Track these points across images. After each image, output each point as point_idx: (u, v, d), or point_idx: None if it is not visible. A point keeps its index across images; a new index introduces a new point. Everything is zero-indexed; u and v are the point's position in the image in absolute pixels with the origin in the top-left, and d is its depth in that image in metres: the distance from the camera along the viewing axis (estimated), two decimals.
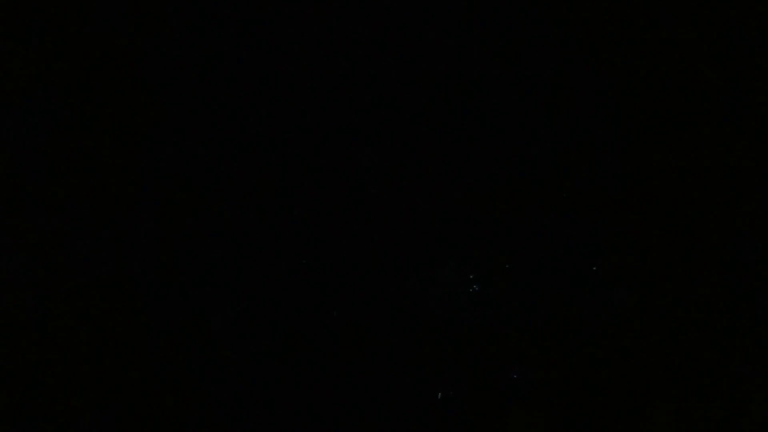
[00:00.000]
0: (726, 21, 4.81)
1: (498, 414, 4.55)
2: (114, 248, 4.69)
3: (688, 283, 4.63)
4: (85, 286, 4.67)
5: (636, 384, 4.53)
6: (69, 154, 4.78)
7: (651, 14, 4.82)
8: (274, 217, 4.62)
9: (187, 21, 4.79)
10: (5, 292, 4.66)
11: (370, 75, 4.73)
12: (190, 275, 4.60)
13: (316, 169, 4.63)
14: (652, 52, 4.82)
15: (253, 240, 4.63)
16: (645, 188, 4.72)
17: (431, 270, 4.71)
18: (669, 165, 4.71)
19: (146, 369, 4.60)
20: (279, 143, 4.65)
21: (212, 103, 4.71)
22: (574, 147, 4.84)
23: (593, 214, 4.76)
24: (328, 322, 4.60)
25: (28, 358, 4.57)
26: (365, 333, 4.61)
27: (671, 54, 4.82)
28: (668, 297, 4.65)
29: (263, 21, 4.82)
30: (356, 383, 4.60)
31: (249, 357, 4.53)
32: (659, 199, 4.72)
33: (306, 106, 4.65)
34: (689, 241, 4.68)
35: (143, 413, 4.56)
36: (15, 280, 4.66)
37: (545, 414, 4.54)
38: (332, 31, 4.72)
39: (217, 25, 4.79)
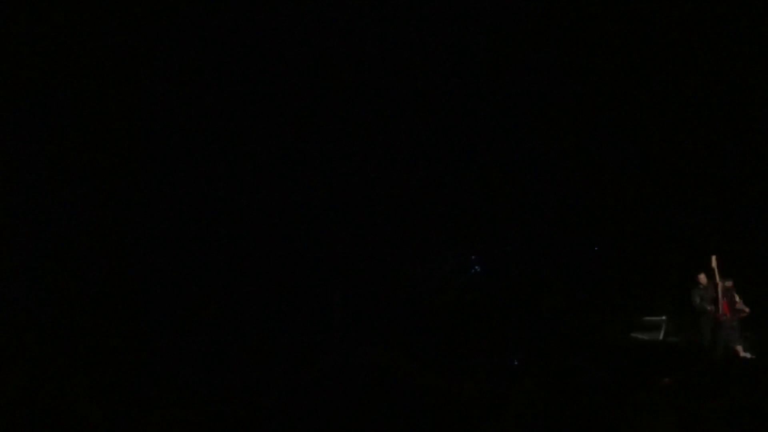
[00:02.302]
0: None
1: (498, 398, 4.56)
2: (114, 248, 4.70)
3: (688, 269, 4.63)
4: (86, 286, 4.68)
5: (636, 368, 4.54)
6: (69, 156, 4.80)
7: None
8: (281, 209, 4.63)
9: (188, 23, 4.82)
10: (6, 293, 4.67)
11: (380, 72, 4.77)
12: (190, 274, 4.60)
13: (322, 162, 4.64)
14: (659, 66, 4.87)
15: (261, 230, 4.63)
16: (646, 178, 4.74)
17: (434, 251, 4.71)
18: (668, 156, 4.73)
19: (145, 369, 4.60)
20: (285, 137, 4.67)
21: (212, 102, 4.74)
22: (572, 139, 4.88)
23: (594, 199, 4.78)
24: (332, 308, 4.61)
25: (28, 358, 4.58)
26: (368, 316, 4.61)
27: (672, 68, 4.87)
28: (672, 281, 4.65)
29: (262, 23, 4.87)
30: (357, 370, 4.63)
31: (252, 345, 4.51)
32: (661, 184, 4.74)
33: (313, 101, 4.67)
34: (690, 229, 4.70)
35: (142, 413, 4.56)
36: (15, 281, 4.66)
37: (547, 398, 4.55)
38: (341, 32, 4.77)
39: (219, 27, 4.83)
